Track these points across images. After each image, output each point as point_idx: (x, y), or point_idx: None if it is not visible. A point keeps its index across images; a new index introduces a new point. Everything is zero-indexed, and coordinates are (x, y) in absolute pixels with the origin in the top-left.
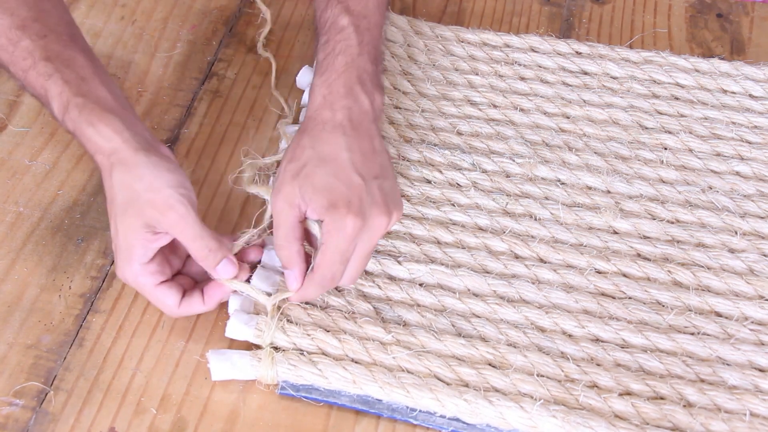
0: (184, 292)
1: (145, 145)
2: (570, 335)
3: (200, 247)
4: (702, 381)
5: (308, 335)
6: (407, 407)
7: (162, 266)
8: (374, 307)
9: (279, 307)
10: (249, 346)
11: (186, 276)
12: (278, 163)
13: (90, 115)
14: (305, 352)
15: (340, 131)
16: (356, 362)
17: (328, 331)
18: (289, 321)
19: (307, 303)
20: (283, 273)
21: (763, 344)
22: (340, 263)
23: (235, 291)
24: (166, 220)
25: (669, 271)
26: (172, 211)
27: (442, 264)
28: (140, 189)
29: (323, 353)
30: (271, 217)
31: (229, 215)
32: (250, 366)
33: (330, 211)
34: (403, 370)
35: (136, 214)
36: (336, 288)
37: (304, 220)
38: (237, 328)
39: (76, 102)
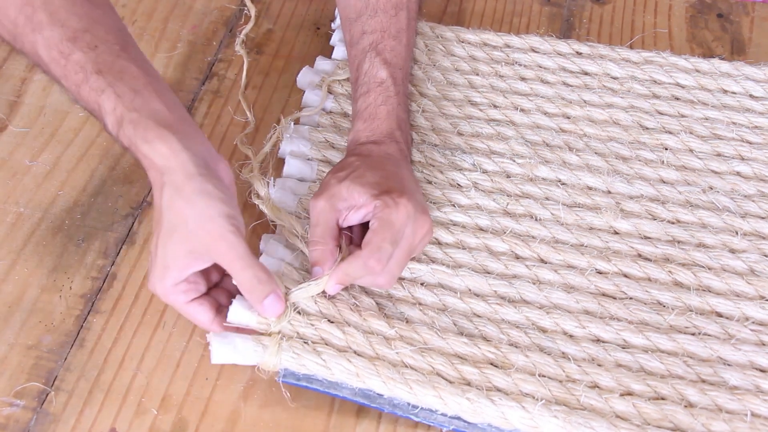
0: (218, 307)
1: (202, 168)
2: (571, 335)
3: (249, 277)
4: (703, 381)
5: (312, 325)
6: (409, 404)
7: (196, 283)
8: (377, 303)
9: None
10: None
11: (223, 290)
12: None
13: (145, 132)
14: (309, 342)
15: (390, 160)
16: (359, 355)
17: (332, 323)
18: (295, 309)
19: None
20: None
21: (764, 345)
22: (390, 242)
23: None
24: (215, 250)
25: (670, 272)
26: (223, 241)
27: (443, 264)
28: (191, 216)
29: (326, 344)
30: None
31: None
32: (253, 351)
33: (382, 195)
34: (406, 366)
35: (183, 240)
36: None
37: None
38: (240, 313)
39: (130, 117)
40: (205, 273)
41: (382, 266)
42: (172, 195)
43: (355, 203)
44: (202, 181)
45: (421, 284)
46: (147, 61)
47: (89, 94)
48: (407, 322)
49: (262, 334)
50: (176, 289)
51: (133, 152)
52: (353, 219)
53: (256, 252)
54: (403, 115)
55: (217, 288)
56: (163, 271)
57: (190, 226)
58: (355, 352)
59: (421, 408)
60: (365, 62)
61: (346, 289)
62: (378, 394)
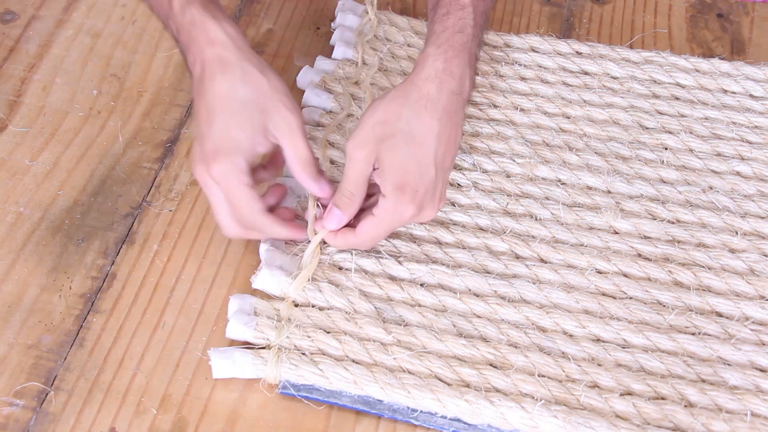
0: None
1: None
2: (571, 335)
3: (310, 155)
4: (703, 381)
5: (309, 336)
6: (408, 408)
7: (254, 179)
8: (375, 307)
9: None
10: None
11: None
12: None
13: (216, 12)
14: (307, 352)
15: (437, 116)
16: (357, 363)
17: (328, 333)
18: (289, 322)
19: (306, 304)
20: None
21: (764, 344)
22: (384, 232)
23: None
24: (292, 122)
25: (670, 272)
26: (297, 116)
27: (443, 264)
28: (266, 89)
29: (324, 354)
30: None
31: None
32: (252, 365)
33: (395, 192)
34: (404, 371)
35: (260, 112)
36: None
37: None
38: (237, 329)
39: (202, 2)
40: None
41: (370, 245)
42: (247, 70)
43: (379, 176)
44: (268, 66)
45: (421, 285)
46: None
47: None
48: (405, 325)
49: (260, 347)
50: (246, 169)
51: (194, 29)
52: (376, 179)
53: (254, 254)
54: (477, 51)
55: None
56: (235, 145)
57: (272, 99)
58: (352, 360)
59: (421, 411)
60: (438, 11)
61: (344, 295)
62: (377, 400)
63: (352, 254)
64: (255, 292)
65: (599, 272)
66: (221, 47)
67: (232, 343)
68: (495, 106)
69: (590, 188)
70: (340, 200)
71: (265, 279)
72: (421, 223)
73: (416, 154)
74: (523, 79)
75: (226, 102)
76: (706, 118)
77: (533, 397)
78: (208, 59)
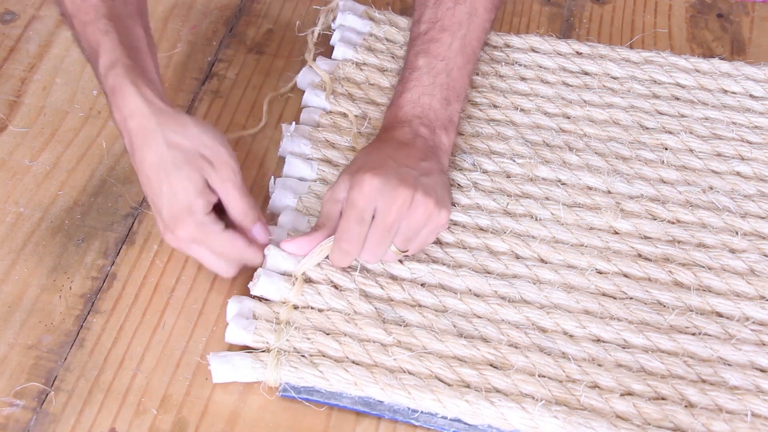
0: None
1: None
2: (571, 335)
3: (247, 203)
4: (703, 381)
5: (308, 339)
6: (409, 408)
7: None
8: (375, 308)
9: (296, 306)
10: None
11: None
12: None
13: (136, 77)
14: (307, 354)
15: (393, 143)
16: (357, 364)
17: (328, 334)
18: (289, 325)
19: (305, 306)
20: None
21: (764, 344)
22: (356, 222)
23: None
24: (222, 174)
25: (670, 272)
26: (228, 167)
27: (444, 264)
28: (195, 146)
29: (324, 356)
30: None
31: None
32: (252, 368)
33: (353, 174)
34: (404, 372)
35: (195, 169)
36: (350, 268)
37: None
38: (236, 333)
39: (125, 62)
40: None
41: (356, 247)
42: (171, 132)
43: (342, 187)
44: (192, 117)
45: (422, 285)
46: (151, 33)
47: (93, 32)
48: (406, 326)
49: (260, 351)
50: (210, 218)
51: (116, 94)
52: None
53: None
54: (435, 104)
55: None
56: (188, 206)
57: (198, 155)
58: (352, 362)
59: (421, 412)
60: (410, 51)
61: (343, 296)
62: (377, 401)
63: None
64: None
65: (599, 272)
66: (140, 116)
67: (232, 347)
68: (495, 107)
69: (590, 188)
70: (306, 235)
71: (264, 286)
72: (430, 245)
73: (376, 153)
74: (523, 79)
75: (160, 170)
76: (707, 119)
77: (533, 398)
78: (132, 130)
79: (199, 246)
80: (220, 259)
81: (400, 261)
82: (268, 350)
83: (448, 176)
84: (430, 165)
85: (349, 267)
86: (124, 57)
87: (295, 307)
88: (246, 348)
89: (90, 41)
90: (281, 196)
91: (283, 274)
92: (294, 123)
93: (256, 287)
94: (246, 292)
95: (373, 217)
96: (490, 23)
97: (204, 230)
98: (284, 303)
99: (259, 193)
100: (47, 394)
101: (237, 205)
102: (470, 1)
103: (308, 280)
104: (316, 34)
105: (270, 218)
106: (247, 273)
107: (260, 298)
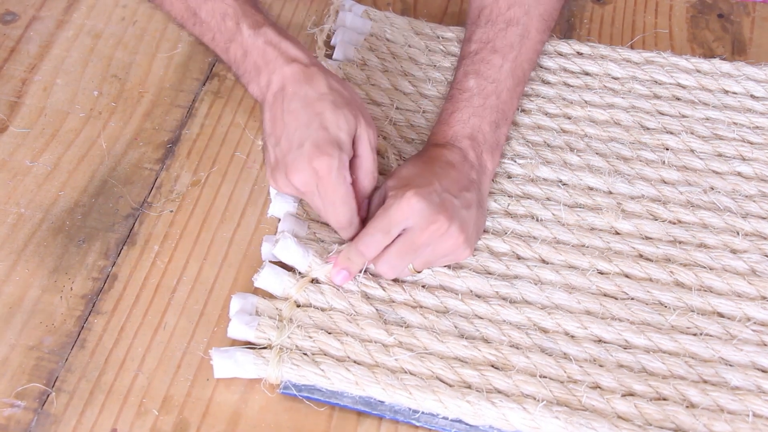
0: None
1: None
2: (572, 336)
3: (376, 166)
4: (704, 382)
5: (310, 337)
6: (410, 409)
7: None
8: (377, 309)
9: (297, 304)
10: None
11: None
12: None
13: (287, 35)
14: (308, 353)
15: (440, 161)
16: (358, 363)
17: (329, 333)
18: (291, 322)
19: (307, 305)
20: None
21: (765, 345)
22: (381, 231)
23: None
24: (369, 130)
25: (671, 272)
26: (372, 126)
27: (445, 265)
28: (353, 97)
29: (325, 354)
30: None
31: (232, 215)
32: (253, 364)
33: (396, 187)
34: (405, 372)
35: (352, 113)
36: (366, 273)
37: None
38: (239, 329)
39: (270, 23)
40: None
41: (371, 252)
42: (331, 78)
43: (383, 192)
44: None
45: (422, 286)
46: None
47: (218, 2)
48: (407, 327)
49: (262, 348)
50: (347, 163)
51: (272, 50)
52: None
53: (256, 256)
54: (485, 127)
55: None
56: (336, 141)
57: (358, 100)
58: (354, 361)
59: (422, 413)
60: (460, 69)
61: (344, 297)
62: (379, 401)
63: None
64: (257, 291)
65: (601, 273)
66: (302, 63)
67: (234, 343)
68: None
69: (591, 189)
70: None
71: (267, 278)
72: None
73: (424, 169)
74: None
75: (319, 106)
76: (707, 119)
77: (535, 398)
78: (291, 74)
79: (316, 190)
80: (327, 210)
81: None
82: (270, 347)
83: (485, 210)
84: (471, 197)
85: None
86: (269, 20)
87: (298, 305)
88: (248, 345)
89: (215, 9)
90: (282, 201)
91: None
92: None
93: (259, 279)
94: (249, 292)
95: (401, 234)
96: (542, 44)
97: (340, 171)
98: (286, 299)
99: (260, 195)
100: (48, 395)
101: (369, 163)
102: (523, 24)
103: (313, 280)
104: (325, 32)
105: (270, 223)
106: (249, 270)
107: (264, 294)
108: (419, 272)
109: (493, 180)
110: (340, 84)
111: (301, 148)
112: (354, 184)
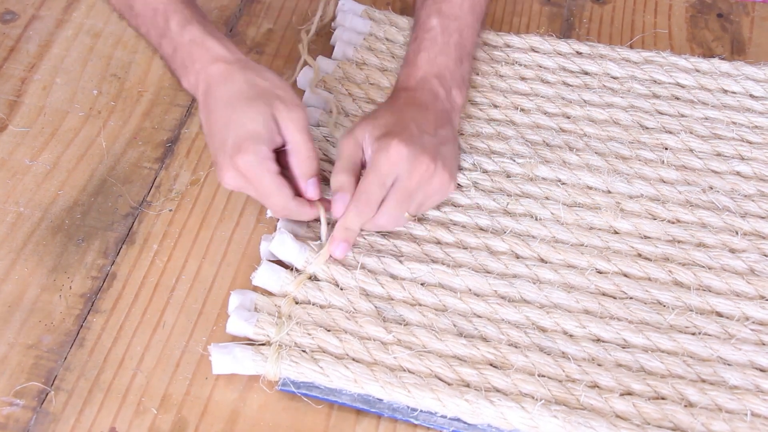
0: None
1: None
2: (571, 335)
3: (311, 149)
4: (703, 381)
5: (309, 334)
6: (408, 407)
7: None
8: (376, 307)
9: (296, 301)
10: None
11: None
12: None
13: (213, 32)
14: (307, 350)
15: (414, 105)
16: (357, 361)
17: (328, 331)
18: (290, 319)
19: (306, 302)
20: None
21: (764, 344)
22: (377, 186)
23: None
24: (293, 114)
25: (670, 271)
26: (299, 108)
27: (444, 264)
28: (270, 86)
29: (324, 352)
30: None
31: (231, 214)
32: (252, 361)
33: (379, 138)
34: (404, 370)
35: (267, 103)
36: (350, 266)
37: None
38: (237, 325)
39: (199, 20)
40: None
41: (371, 208)
42: (248, 73)
43: (365, 142)
44: (265, 67)
45: (421, 284)
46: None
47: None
48: (406, 325)
49: (261, 344)
50: (270, 155)
51: (196, 48)
52: (366, 158)
53: (254, 254)
54: (451, 64)
55: None
56: (255, 137)
57: (273, 93)
58: (352, 359)
59: (421, 411)
60: (423, 10)
61: (343, 294)
62: (377, 398)
63: (353, 253)
64: (255, 290)
65: (599, 272)
66: (224, 62)
67: (233, 339)
68: (495, 106)
69: (590, 188)
70: (334, 183)
71: (264, 276)
72: (426, 219)
73: (399, 114)
74: (523, 79)
75: (235, 104)
76: (706, 118)
77: (533, 397)
78: (213, 74)
79: (248, 185)
80: (266, 203)
81: (400, 261)
82: (268, 344)
83: (458, 142)
84: (446, 133)
85: (349, 266)
86: (197, 16)
87: (296, 302)
88: (247, 342)
89: (150, 3)
90: None
91: (287, 266)
92: None
93: (257, 277)
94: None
95: (392, 185)
96: None
97: (261, 164)
98: (285, 296)
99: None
100: (47, 394)
101: (301, 149)
102: None
103: (311, 277)
104: (315, 22)
105: (269, 222)
106: (248, 269)
107: (264, 291)
108: (414, 217)
109: (461, 116)
110: (258, 75)
111: (224, 148)
112: (292, 168)
